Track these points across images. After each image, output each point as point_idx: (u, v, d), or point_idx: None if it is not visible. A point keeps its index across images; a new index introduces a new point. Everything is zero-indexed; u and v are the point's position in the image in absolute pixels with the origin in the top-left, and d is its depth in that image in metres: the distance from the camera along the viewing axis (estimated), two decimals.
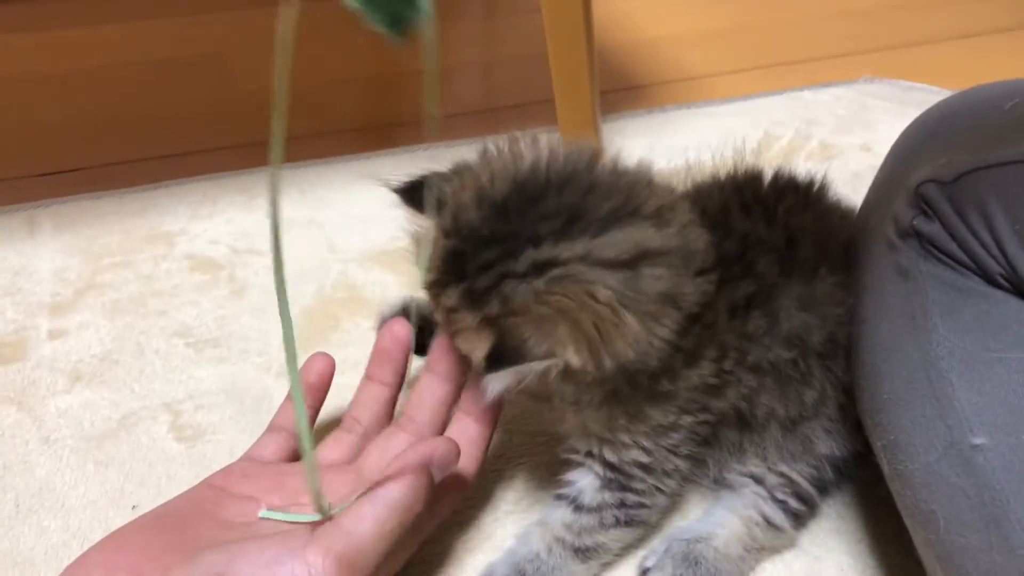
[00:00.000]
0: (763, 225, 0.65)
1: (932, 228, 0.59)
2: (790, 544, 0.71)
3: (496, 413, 0.67)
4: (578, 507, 0.67)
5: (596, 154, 0.60)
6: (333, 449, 0.69)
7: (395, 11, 0.40)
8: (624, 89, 1.38)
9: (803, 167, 1.17)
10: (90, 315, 0.95)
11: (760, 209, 0.67)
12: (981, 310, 0.57)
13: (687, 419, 0.63)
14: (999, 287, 0.57)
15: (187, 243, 1.05)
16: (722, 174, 0.74)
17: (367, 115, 1.36)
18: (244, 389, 0.87)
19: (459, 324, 0.57)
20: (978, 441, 0.53)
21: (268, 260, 1.01)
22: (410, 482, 0.56)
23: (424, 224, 0.60)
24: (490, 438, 0.68)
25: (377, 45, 1.60)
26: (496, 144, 0.60)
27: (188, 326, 0.94)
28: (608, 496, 0.66)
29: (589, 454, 0.66)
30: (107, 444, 0.81)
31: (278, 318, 0.94)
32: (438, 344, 0.67)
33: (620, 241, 0.54)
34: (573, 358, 0.53)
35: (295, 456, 0.71)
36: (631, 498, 0.66)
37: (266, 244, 1.03)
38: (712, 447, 0.69)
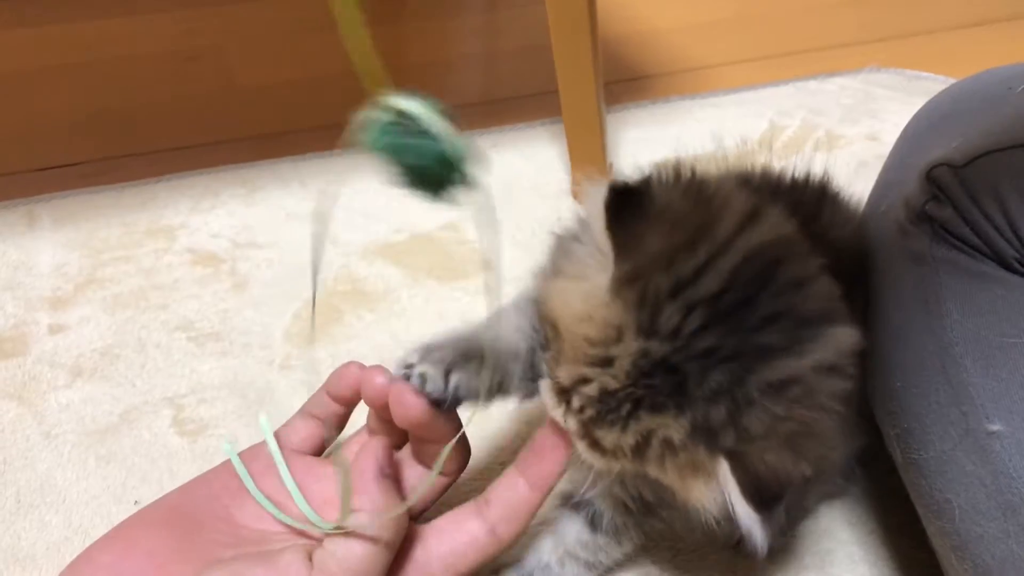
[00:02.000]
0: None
1: (945, 213, 0.58)
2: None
3: (553, 483, 0.60)
4: (596, 527, 0.64)
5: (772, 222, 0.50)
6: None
7: (436, 188, 0.42)
8: (628, 80, 1.37)
9: (810, 157, 1.17)
10: (91, 309, 0.94)
11: (813, 224, 0.58)
12: (996, 295, 0.56)
13: None
14: (1014, 271, 0.56)
15: (188, 236, 1.04)
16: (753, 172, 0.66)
17: None
18: (246, 383, 0.86)
19: (675, 459, 0.47)
20: (994, 428, 0.52)
21: (269, 253, 1.01)
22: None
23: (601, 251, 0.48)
24: (540, 504, 0.61)
25: (377, 38, 1.59)
26: (671, 184, 0.50)
27: (189, 320, 0.93)
28: (630, 521, 0.63)
29: (626, 487, 0.61)
30: (109, 439, 0.81)
31: (279, 312, 0.94)
32: (538, 447, 0.59)
33: (833, 343, 0.47)
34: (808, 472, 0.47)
35: (323, 448, 0.67)
36: (651, 522, 0.64)
37: (267, 237, 1.03)
38: None
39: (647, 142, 1.19)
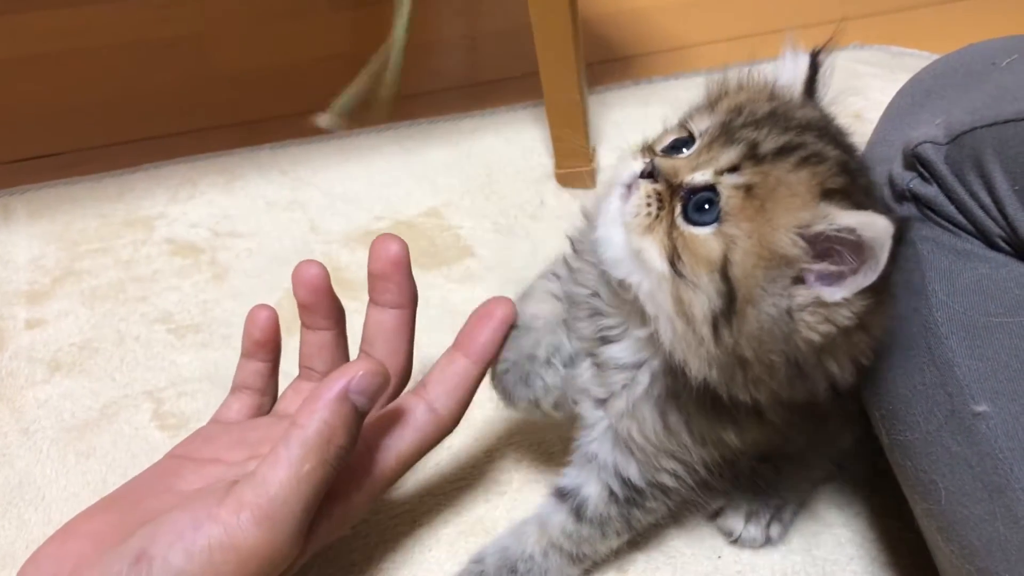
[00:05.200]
0: None
1: (929, 191, 0.57)
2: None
3: (491, 354, 0.62)
4: (580, 517, 0.64)
5: None
6: (294, 399, 0.66)
7: None
8: (610, 61, 1.36)
9: None
10: (68, 303, 0.93)
11: None
12: (980, 274, 0.55)
13: (720, 459, 0.61)
14: (999, 250, 0.56)
15: (167, 227, 1.03)
16: None
17: None
18: (228, 375, 0.83)
19: (787, 160, 0.51)
20: (980, 409, 0.52)
21: (249, 243, 1.00)
22: (324, 415, 0.52)
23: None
24: (479, 377, 0.62)
25: (358, 22, 1.57)
26: None
27: (169, 312, 0.92)
28: (615, 511, 0.63)
29: (616, 473, 0.62)
30: (88, 435, 0.79)
31: (260, 302, 0.93)
32: (474, 320, 0.63)
33: None
34: None
35: (262, 413, 0.68)
36: (636, 514, 0.64)
37: (247, 226, 1.02)
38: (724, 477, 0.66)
39: (630, 123, 1.18)
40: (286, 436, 0.52)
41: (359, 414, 0.54)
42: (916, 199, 0.58)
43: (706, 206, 0.51)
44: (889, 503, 0.70)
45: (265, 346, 0.68)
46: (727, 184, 0.51)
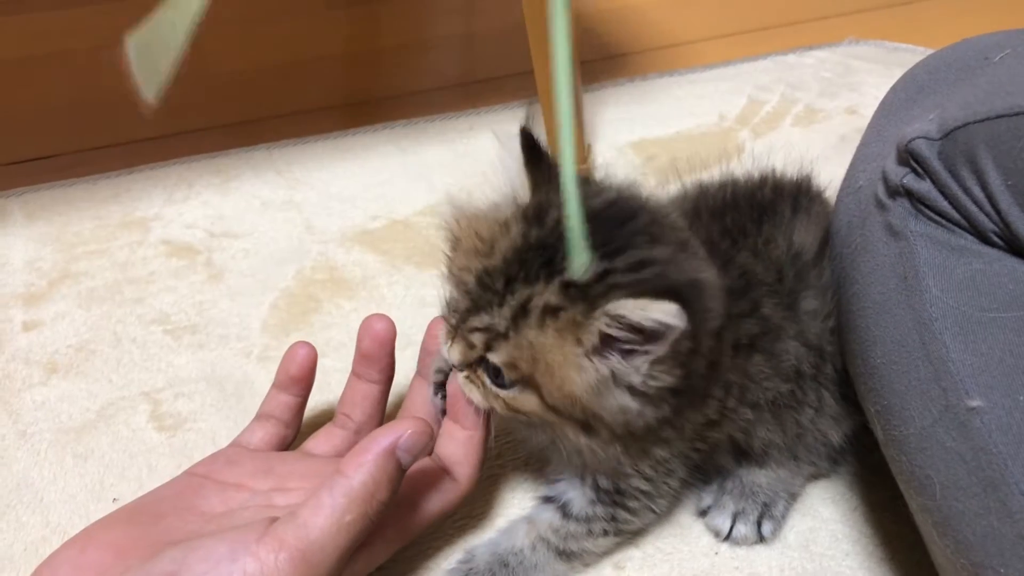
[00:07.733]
0: (754, 259, 0.64)
1: (923, 186, 0.57)
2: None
3: (487, 419, 0.64)
4: (567, 514, 0.66)
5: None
6: (324, 442, 0.68)
7: None
8: (605, 58, 1.36)
9: (789, 132, 1.16)
10: (65, 305, 0.93)
11: (748, 241, 0.66)
12: (974, 269, 0.55)
13: (686, 447, 0.63)
14: (992, 245, 0.56)
15: (162, 228, 1.03)
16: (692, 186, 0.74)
17: (344, 92, 1.34)
18: (224, 375, 0.85)
19: (555, 322, 0.52)
20: (974, 404, 0.52)
21: (245, 243, 1.00)
22: (370, 468, 0.53)
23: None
24: (484, 440, 0.64)
25: (353, 22, 1.57)
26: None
27: (165, 313, 0.92)
28: (600, 510, 0.65)
29: (585, 480, 0.65)
30: (86, 436, 0.79)
31: (256, 302, 0.92)
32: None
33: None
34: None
35: (283, 445, 0.69)
36: (622, 515, 0.66)
37: (242, 226, 1.02)
38: (707, 472, 0.70)
39: (625, 121, 1.18)
40: (331, 483, 0.53)
41: (402, 471, 0.56)
42: (909, 194, 0.58)
43: (497, 374, 0.55)
44: (885, 498, 0.70)
45: (300, 382, 0.70)
46: (495, 361, 0.54)
